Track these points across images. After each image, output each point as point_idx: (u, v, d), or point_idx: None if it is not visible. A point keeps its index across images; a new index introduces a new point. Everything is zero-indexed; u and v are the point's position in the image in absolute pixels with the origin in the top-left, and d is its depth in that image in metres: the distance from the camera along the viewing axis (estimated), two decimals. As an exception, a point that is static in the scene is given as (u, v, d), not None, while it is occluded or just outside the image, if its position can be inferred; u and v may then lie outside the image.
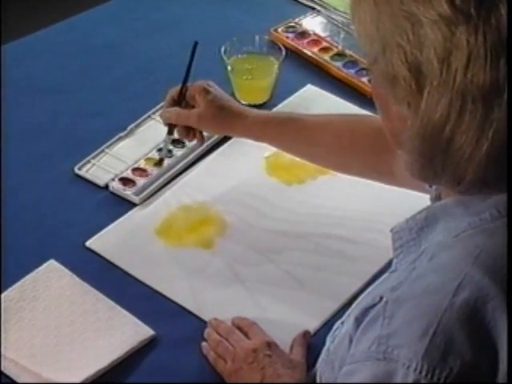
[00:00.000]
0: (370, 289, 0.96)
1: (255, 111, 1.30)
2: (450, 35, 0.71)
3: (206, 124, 1.30)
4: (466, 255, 0.79)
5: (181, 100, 1.31)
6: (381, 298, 0.81)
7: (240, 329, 1.15)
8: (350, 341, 0.85)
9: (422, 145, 0.78)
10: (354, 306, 0.96)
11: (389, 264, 1.20)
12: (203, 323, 1.16)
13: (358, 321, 0.84)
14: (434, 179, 0.82)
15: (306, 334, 1.14)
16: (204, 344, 1.13)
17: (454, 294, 0.77)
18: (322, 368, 0.97)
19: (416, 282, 0.80)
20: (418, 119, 0.76)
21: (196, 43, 1.32)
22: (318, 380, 1.00)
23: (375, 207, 1.32)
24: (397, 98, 0.77)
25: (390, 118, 0.81)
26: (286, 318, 1.17)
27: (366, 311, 0.83)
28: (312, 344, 1.14)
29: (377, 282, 0.95)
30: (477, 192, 0.80)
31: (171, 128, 1.33)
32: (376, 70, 0.79)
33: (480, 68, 0.71)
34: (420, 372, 0.74)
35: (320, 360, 1.00)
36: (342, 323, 0.96)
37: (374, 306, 0.82)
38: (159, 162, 1.38)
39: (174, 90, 1.32)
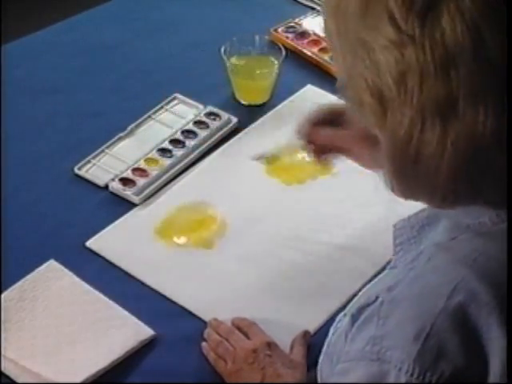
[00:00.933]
0: (369, 285, 0.96)
1: None
2: (401, 57, 0.73)
3: (363, 146, 1.13)
4: (462, 258, 0.80)
5: (336, 119, 1.16)
6: (376, 298, 0.82)
7: (240, 329, 1.15)
8: (346, 337, 0.86)
9: (394, 163, 0.79)
10: (355, 300, 0.96)
11: (389, 265, 1.20)
12: (203, 323, 1.16)
13: (354, 318, 0.85)
14: (413, 195, 0.83)
15: (306, 333, 1.14)
16: (204, 344, 1.13)
17: (448, 297, 0.77)
18: (323, 360, 0.98)
19: (412, 284, 0.81)
20: (386, 140, 0.78)
21: None
22: (318, 372, 1.00)
23: (375, 207, 1.32)
24: (367, 122, 0.79)
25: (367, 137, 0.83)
26: (286, 318, 1.17)
27: (361, 309, 0.84)
28: (312, 344, 1.14)
29: (376, 279, 0.96)
30: (452, 203, 0.81)
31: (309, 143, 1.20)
32: (346, 99, 0.81)
33: (433, 83, 0.72)
34: (411, 374, 0.75)
35: (322, 353, 1.01)
36: (345, 315, 0.97)
37: (369, 304, 0.83)
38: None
39: (326, 109, 1.19)
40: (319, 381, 1.00)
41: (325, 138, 1.17)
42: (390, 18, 0.72)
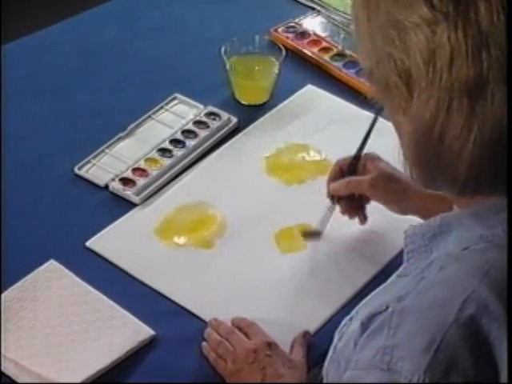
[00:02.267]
0: (377, 290, 0.95)
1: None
2: (432, 35, 0.73)
3: (378, 191, 1.22)
4: (474, 270, 0.79)
5: (352, 170, 1.24)
6: (387, 307, 0.81)
7: (240, 329, 1.15)
8: (355, 344, 0.85)
9: (417, 148, 0.79)
10: (361, 304, 0.96)
11: (389, 265, 1.21)
12: (203, 323, 1.16)
13: (364, 325, 0.84)
14: (433, 183, 0.82)
15: (306, 334, 1.14)
16: (204, 344, 1.13)
17: (459, 309, 0.77)
18: (328, 365, 0.98)
19: (423, 294, 0.80)
20: (410, 122, 0.78)
21: (376, 117, 1.22)
22: (324, 375, 1.00)
23: (376, 207, 1.32)
24: (393, 106, 0.79)
25: (396, 129, 0.83)
26: (286, 318, 1.17)
27: (372, 317, 0.83)
28: (312, 344, 1.14)
29: (385, 285, 0.95)
30: (473, 192, 0.80)
31: (334, 199, 1.26)
32: (372, 82, 0.81)
33: (463, 64, 0.72)
34: None
35: (328, 357, 1.00)
36: (351, 319, 0.97)
37: (379, 313, 0.82)
38: (317, 234, 1.27)
39: (342, 161, 1.26)
40: None
41: (343, 187, 1.23)
42: None
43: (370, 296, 0.97)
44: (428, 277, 0.82)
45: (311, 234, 1.28)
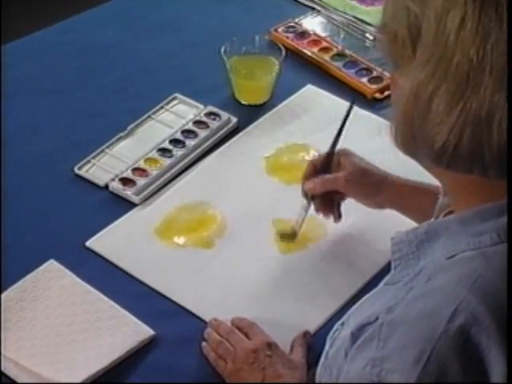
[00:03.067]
0: (366, 298, 0.94)
1: (396, 179, 1.22)
2: None
3: (352, 187, 1.23)
4: (462, 279, 0.78)
5: (326, 167, 1.24)
6: (376, 318, 0.81)
7: (240, 329, 1.15)
8: (346, 354, 0.85)
9: (406, 106, 0.78)
10: (352, 310, 0.95)
11: (389, 265, 1.20)
12: (203, 323, 1.16)
13: (354, 336, 0.83)
14: (413, 144, 0.81)
15: (306, 334, 1.14)
16: (204, 344, 1.13)
17: (448, 320, 0.76)
18: (321, 372, 0.97)
19: (411, 305, 0.80)
20: (407, 81, 0.78)
21: (353, 102, 1.24)
22: (317, 379, 1.00)
23: (369, 212, 1.32)
24: (394, 59, 0.80)
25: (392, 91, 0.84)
26: (286, 318, 1.17)
27: (362, 327, 0.82)
28: (312, 344, 1.14)
29: (373, 292, 0.94)
30: (448, 164, 0.79)
31: (309, 198, 1.26)
32: (382, 33, 0.81)
33: (470, 33, 0.73)
34: None
35: (320, 363, 1.00)
36: (342, 324, 0.96)
37: (369, 323, 0.81)
38: (293, 235, 1.27)
39: (317, 159, 1.27)
40: None
41: (318, 186, 1.24)
42: None
43: (359, 303, 0.95)
44: (416, 286, 0.81)
45: (287, 235, 1.28)
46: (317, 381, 0.99)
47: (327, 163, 1.25)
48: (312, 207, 1.27)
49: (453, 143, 0.76)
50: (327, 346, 0.97)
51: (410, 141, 0.81)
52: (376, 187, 1.22)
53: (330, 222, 1.29)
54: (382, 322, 0.80)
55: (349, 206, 1.33)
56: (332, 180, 1.23)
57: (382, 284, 0.94)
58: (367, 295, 0.95)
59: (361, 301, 0.96)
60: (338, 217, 1.27)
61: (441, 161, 0.79)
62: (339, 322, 0.97)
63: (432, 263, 0.83)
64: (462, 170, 0.79)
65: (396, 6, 0.79)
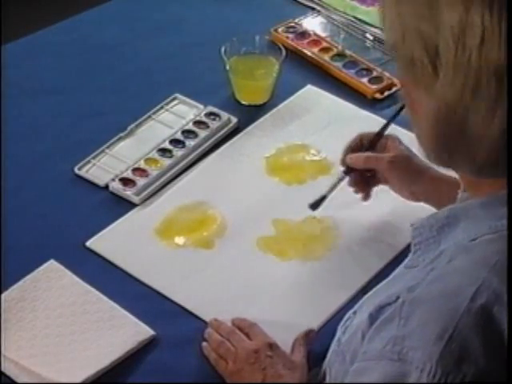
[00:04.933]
0: (383, 283, 0.96)
1: (436, 173, 1.20)
2: (465, 14, 0.72)
3: (394, 171, 1.23)
4: (484, 260, 0.79)
5: (372, 146, 1.25)
6: (397, 298, 0.82)
7: (241, 329, 1.14)
8: (363, 336, 0.85)
9: (437, 126, 0.78)
10: (366, 298, 0.96)
11: (391, 263, 1.20)
12: (203, 323, 1.16)
13: (372, 317, 0.84)
14: (449, 161, 0.82)
15: (309, 332, 1.14)
16: (205, 344, 1.13)
17: (471, 298, 0.77)
18: (332, 358, 0.97)
19: (433, 284, 0.80)
20: (433, 101, 0.77)
21: (402, 107, 1.21)
22: (327, 369, 1.00)
23: (376, 206, 1.32)
24: (415, 81, 0.78)
25: (413, 107, 0.82)
26: (286, 318, 1.17)
27: (380, 309, 0.83)
28: (313, 343, 1.14)
29: (391, 277, 0.95)
30: (489, 175, 0.80)
31: (349, 171, 1.26)
32: (396, 56, 0.80)
33: (493, 47, 0.71)
34: (434, 376, 0.75)
35: (330, 351, 1.00)
36: (354, 313, 0.96)
37: (389, 304, 0.82)
38: (317, 207, 1.27)
39: (365, 135, 1.26)
40: (328, 379, 0.99)
41: (361, 161, 1.24)
42: None
43: (375, 289, 0.97)
44: (438, 267, 0.82)
45: (316, 202, 1.28)
46: (326, 368, 0.99)
47: (374, 142, 1.25)
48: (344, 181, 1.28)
49: (494, 155, 0.77)
50: (339, 333, 0.97)
51: (445, 158, 0.82)
52: (416, 176, 1.22)
53: (330, 222, 1.30)
54: (403, 301, 0.80)
55: (349, 204, 1.34)
56: (376, 159, 1.24)
57: (401, 267, 0.95)
58: (384, 281, 0.96)
59: (375, 289, 0.97)
60: (368, 196, 1.29)
61: (482, 172, 0.80)
62: (351, 311, 0.98)
63: (453, 246, 0.84)
64: (500, 175, 0.80)
65: (404, 27, 0.77)
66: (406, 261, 0.94)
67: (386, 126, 1.25)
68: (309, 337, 1.14)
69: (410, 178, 1.23)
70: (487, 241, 0.81)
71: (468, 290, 0.77)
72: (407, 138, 0.82)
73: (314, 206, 1.28)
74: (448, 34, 0.73)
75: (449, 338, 0.75)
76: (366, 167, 1.26)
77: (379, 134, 1.25)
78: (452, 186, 1.16)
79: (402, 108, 1.22)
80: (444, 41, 0.73)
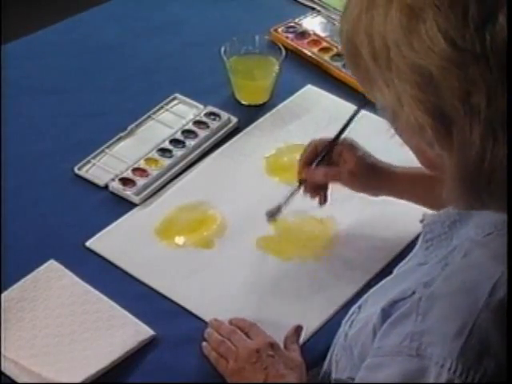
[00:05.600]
0: (390, 278, 0.96)
1: (399, 169, 1.22)
2: (464, 76, 0.70)
3: (355, 181, 1.23)
4: (500, 255, 0.79)
5: (326, 155, 1.23)
6: (413, 293, 0.82)
7: (240, 329, 1.14)
8: (374, 331, 0.85)
9: (465, 182, 0.76)
10: (371, 292, 0.96)
11: (391, 263, 1.21)
12: (203, 323, 1.16)
13: (386, 312, 0.84)
14: (482, 208, 0.81)
15: (297, 329, 1.14)
16: (205, 344, 1.13)
17: (489, 293, 0.77)
18: (338, 352, 0.97)
19: (450, 280, 0.81)
20: (454, 158, 0.75)
21: (360, 107, 1.23)
22: (333, 365, 1.00)
23: (374, 206, 1.32)
24: (428, 143, 0.76)
25: (426, 156, 0.80)
26: (286, 318, 1.17)
27: (394, 303, 0.83)
28: (311, 344, 1.14)
29: (400, 272, 0.95)
30: None
31: (303, 181, 1.26)
32: (400, 123, 0.77)
33: (500, 96, 0.70)
34: (454, 372, 0.75)
35: (335, 344, 1.00)
36: (359, 307, 0.96)
37: (403, 299, 0.82)
38: (273, 217, 1.27)
39: (319, 142, 1.25)
40: (334, 374, 0.99)
41: (320, 176, 1.24)
42: (444, 38, 0.69)
43: (380, 284, 0.96)
44: (452, 263, 0.82)
45: (272, 211, 1.27)
46: (333, 363, 0.99)
47: (330, 149, 1.24)
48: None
49: None
50: (345, 328, 0.97)
51: (477, 206, 0.80)
52: (378, 182, 1.23)
53: (330, 222, 1.30)
54: (419, 297, 0.80)
55: (349, 204, 1.34)
56: (335, 174, 1.24)
57: (413, 264, 0.94)
58: (391, 276, 0.96)
59: (380, 283, 0.97)
60: (325, 200, 1.28)
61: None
62: (355, 306, 0.98)
63: (467, 241, 0.84)
64: None
65: (398, 96, 0.74)
66: (411, 255, 0.94)
67: (340, 133, 1.23)
68: (298, 333, 1.13)
69: (372, 184, 1.23)
70: (502, 235, 0.81)
71: (486, 284, 0.77)
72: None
73: (270, 214, 1.27)
74: (452, 99, 0.71)
75: (469, 334, 0.75)
76: (324, 182, 1.25)
77: (334, 141, 1.23)
78: (425, 178, 1.17)
79: (356, 112, 1.23)
80: (450, 104, 0.71)
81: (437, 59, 0.70)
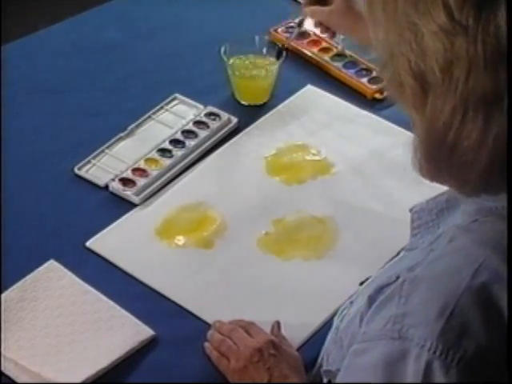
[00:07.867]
0: (382, 269, 0.96)
1: None
2: (450, 46, 0.72)
3: (333, 20, 1.45)
4: (485, 240, 0.80)
5: None
6: (397, 278, 0.82)
7: (241, 327, 1.14)
8: (361, 319, 0.86)
9: (428, 149, 0.79)
10: (364, 286, 0.96)
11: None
12: (203, 323, 1.16)
13: (372, 299, 0.85)
14: (441, 181, 0.83)
15: (278, 325, 1.14)
16: (207, 344, 1.13)
17: (472, 276, 0.78)
18: (329, 347, 0.97)
19: (434, 263, 0.81)
20: (424, 125, 0.77)
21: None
22: (324, 357, 1.00)
23: (375, 206, 1.32)
24: (406, 103, 0.79)
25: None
26: (286, 318, 1.17)
27: (380, 289, 0.84)
28: (311, 344, 1.14)
29: (391, 262, 0.96)
30: (480, 193, 0.81)
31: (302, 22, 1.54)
32: (385, 77, 0.81)
33: (480, 77, 0.72)
34: (434, 352, 0.75)
35: (327, 339, 1.00)
36: (351, 303, 0.97)
37: (389, 284, 0.83)
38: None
39: None
40: (324, 367, 1.00)
41: (313, 14, 1.47)
42: (444, 6, 0.72)
43: (372, 278, 0.97)
44: (438, 248, 0.83)
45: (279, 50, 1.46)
46: (324, 358, 0.99)
47: None
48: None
49: (485, 181, 0.77)
50: (337, 322, 0.98)
51: (436, 178, 0.82)
52: (354, 22, 1.39)
53: (330, 222, 1.30)
54: (403, 280, 0.81)
55: (349, 204, 1.34)
56: (319, 12, 1.46)
57: (402, 253, 0.96)
58: (379, 270, 0.97)
59: (371, 278, 0.97)
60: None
61: (472, 194, 0.81)
62: (347, 301, 0.98)
63: (453, 227, 0.85)
64: (493, 193, 0.80)
65: (392, 49, 0.77)
66: (406, 244, 0.95)
67: None
68: (280, 329, 1.14)
69: (351, 26, 1.40)
70: (488, 222, 0.82)
71: (469, 268, 0.78)
72: (405, 138, 0.82)
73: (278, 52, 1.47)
74: (434, 65, 0.74)
75: (450, 315, 0.76)
76: (315, 19, 1.48)
77: None
78: None
79: None
80: (431, 70, 0.74)
81: (431, 23, 0.73)
